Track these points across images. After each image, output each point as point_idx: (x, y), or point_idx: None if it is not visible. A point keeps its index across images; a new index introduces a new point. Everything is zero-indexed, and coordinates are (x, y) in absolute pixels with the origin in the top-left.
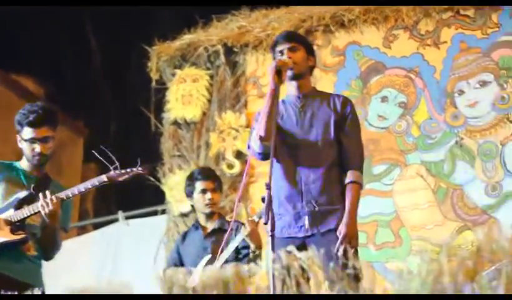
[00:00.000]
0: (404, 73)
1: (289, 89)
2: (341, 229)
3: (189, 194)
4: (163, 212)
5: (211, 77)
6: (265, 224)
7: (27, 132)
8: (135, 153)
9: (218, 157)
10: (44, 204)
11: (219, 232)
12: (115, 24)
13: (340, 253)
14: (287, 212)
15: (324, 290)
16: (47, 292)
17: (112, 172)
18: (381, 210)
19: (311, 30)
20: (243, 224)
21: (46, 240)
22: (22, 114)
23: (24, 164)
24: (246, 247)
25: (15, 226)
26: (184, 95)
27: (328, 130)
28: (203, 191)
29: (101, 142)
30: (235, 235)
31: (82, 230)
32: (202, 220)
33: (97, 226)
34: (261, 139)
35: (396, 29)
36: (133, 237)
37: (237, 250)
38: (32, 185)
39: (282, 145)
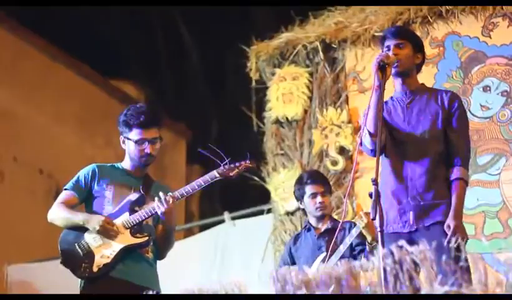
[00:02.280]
0: (505, 61)
1: (396, 86)
2: (450, 223)
3: (299, 198)
4: (269, 211)
5: (311, 74)
6: (373, 219)
7: (136, 133)
8: (239, 153)
9: (321, 154)
10: (159, 205)
11: (332, 231)
12: (212, 25)
13: (453, 245)
14: (392, 207)
15: (437, 283)
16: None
17: (222, 168)
18: (488, 201)
19: (409, 23)
20: (355, 224)
21: (162, 240)
22: (129, 114)
23: (126, 165)
24: (361, 243)
25: (135, 229)
26: (285, 94)
27: (435, 125)
28: (313, 195)
29: (204, 144)
30: (348, 232)
31: (189, 233)
32: (313, 222)
33: (203, 228)
34: (371, 135)
35: (495, 17)
36: (240, 237)
37: (351, 247)
38: (141, 187)
39: (390, 141)
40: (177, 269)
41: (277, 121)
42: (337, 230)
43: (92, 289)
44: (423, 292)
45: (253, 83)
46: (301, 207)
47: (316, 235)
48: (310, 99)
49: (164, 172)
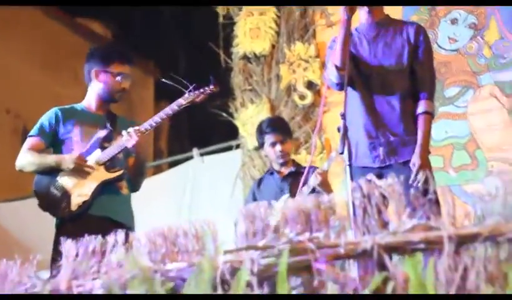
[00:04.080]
0: None
1: (361, 17)
2: (416, 160)
3: (260, 146)
4: (238, 147)
5: (279, 9)
6: (341, 153)
7: (115, 67)
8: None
9: (289, 89)
10: (128, 138)
11: (295, 174)
12: None
13: (418, 183)
14: (362, 141)
15: (405, 217)
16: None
17: (187, 94)
18: (456, 133)
19: None
20: (317, 168)
21: (135, 172)
22: (107, 48)
23: (88, 104)
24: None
25: (108, 164)
26: (252, 29)
27: (401, 60)
28: (273, 144)
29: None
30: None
31: (158, 170)
32: (276, 167)
33: (172, 165)
34: (337, 68)
35: None
36: (209, 173)
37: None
38: (108, 123)
39: (357, 75)
40: (146, 205)
41: (245, 57)
42: (303, 175)
43: (70, 227)
44: (391, 226)
45: (221, 18)
46: (264, 153)
47: (280, 178)
48: (278, 33)
49: (133, 110)
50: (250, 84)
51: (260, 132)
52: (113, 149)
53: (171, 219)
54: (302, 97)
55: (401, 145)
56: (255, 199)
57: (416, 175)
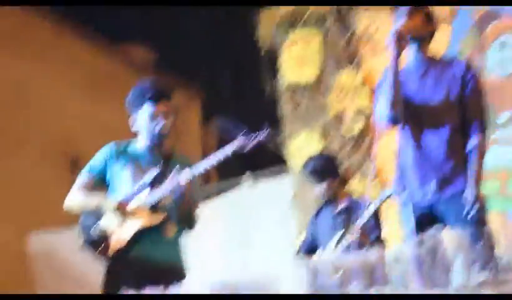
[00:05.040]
0: None
1: (409, 55)
2: (468, 194)
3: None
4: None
5: (323, 37)
6: (398, 194)
7: (148, 108)
8: (254, 121)
9: (338, 118)
10: (176, 185)
11: (348, 209)
12: None
13: (472, 215)
14: (412, 178)
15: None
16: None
17: (240, 140)
18: (510, 158)
19: None
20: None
21: (185, 216)
22: (138, 90)
23: (141, 143)
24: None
25: (152, 208)
26: (297, 58)
27: (450, 95)
28: (316, 186)
29: (217, 105)
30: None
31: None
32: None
33: (222, 190)
34: (388, 105)
35: None
36: (261, 198)
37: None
38: (161, 163)
39: (405, 112)
40: (198, 234)
41: (291, 86)
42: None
43: (114, 269)
44: (459, 281)
45: (265, 49)
46: None
47: (334, 215)
48: (323, 62)
49: (179, 135)
50: (298, 114)
51: (303, 173)
52: (159, 193)
53: (223, 250)
54: (351, 126)
55: (451, 179)
56: (312, 230)
57: (471, 208)
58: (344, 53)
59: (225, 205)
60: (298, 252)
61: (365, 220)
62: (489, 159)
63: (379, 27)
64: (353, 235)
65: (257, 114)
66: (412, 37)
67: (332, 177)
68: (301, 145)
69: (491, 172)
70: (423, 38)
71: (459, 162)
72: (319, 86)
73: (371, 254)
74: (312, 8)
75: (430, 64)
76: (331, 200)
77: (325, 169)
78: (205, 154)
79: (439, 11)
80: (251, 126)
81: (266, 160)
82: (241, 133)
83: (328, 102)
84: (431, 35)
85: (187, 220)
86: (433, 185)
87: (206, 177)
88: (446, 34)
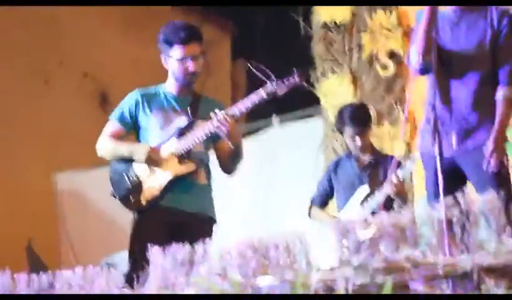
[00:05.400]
0: None
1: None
2: (489, 145)
3: (340, 132)
4: (319, 113)
5: None
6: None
7: (178, 50)
8: (286, 58)
9: (371, 59)
10: (218, 125)
11: (374, 164)
12: None
13: (491, 168)
14: (437, 131)
15: (506, 236)
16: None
17: (269, 86)
18: None
19: None
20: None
21: (230, 156)
22: (168, 32)
23: (170, 87)
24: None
25: (183, 156)
26: None
27: (482, 44)
28: (352, 137)
29: (250, 41)
30: (392, 168)
31: None
32: (355, 152)
33: (250, 132)
34: (419, 54)
35: None
36: (289, 142)
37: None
38: (189, 110)
39: (437, 60)
40: (223, 179)
41: (325, 25)
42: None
43: (143, 219)
44: (489, 246)
45: None
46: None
47: (359, 168)
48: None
49: (209, 69)
50: (330, 54)
51: (340, 121)
52: (190, 140)
53: (252, 191)
54: (384, 68)
55: (473, 131)
56: (330, 182)
57: (489, 159)
58: None
59: (251, 146)
60: (311, 204)
61: (405, 175)
62: None
63: None
64: (389, 189)
65: (289, 53)
66: None
67: (368, 128)
68: (333, 86)
69: None
70: None
71: (485, 114)
72: (353, 25)
73: (402, 215)
74: None
75: (465, 10)
76: (354, 152)
77: (364, 118)
78: (234, 91)
79: None
80: (282, 66)
81: (297, 101)
82: (270, 80)
83: (361, 42)
84: None
85: (232, 161)
86: (454, 137)
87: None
88: None
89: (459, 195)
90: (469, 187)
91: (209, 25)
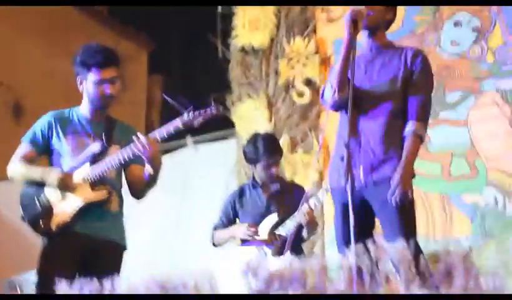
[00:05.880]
0: None
1: (363, 40)
2: (395, 175)
3: (251, 162)
4: (233, 135)
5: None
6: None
7: (94, 74)
8: (203, 81)
9: (287, 85)
10: (140, 148)
11: (281, 193)
12: None
13: (395, 200)
14: (344, 162)
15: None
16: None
17: (186, 117)
18: (456, 140)
19: None
20: (302, 189)
21: (149, 182)
22: (85, 55)
23: (84, 111)
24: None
25: (96, 182)
26: (251, 21)
27: (395, 80)
28: (268, 166)
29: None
30: (301, 199)
31: None
32: (260, 180)
33: (164, 152)
34: (334, 91)
35: None
36: (202, 163)
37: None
38: (103, 135)
39: (351, 97)
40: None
41: (243, 49)
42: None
43: (53, 245)
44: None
45: (219, 8)
46: (252, 170)
47: (266, 196)
48: (277, 27)
49: (125, 84)
50: (247, 78)
51: (254, 151)
52: (103, 166)
53: (162, 213)
54: (300, 95)
55: (380, 164)
56: (234, 209)
57: (394, 191)
58: (298, 19)
59: (164, 165)
60: (213, 232)
61: (317, 205)
62: (434, 139)
63: None
64: (301, 218)
65: (206, 74)
66: (367, 23)
67: (281, 157)
68: (249, 111)
69: (433, 154)
70: (378, 24)
71: (393, 148)
72: (271, 51)
73: (312, 259)
74: None
75: (381, 50)
76: (264, 181)
77: (278, 147)
78: (149, 106)
79: None
80: (198, 86)
81: (211, 123)
82: (187, 110)
83: (278, 68)
84: (386, 23)
85: (148, 186)
86: (361, 171)
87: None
88: (401, 8)
89: (369, 241)
90: (379, 228)
91: (126, 40)
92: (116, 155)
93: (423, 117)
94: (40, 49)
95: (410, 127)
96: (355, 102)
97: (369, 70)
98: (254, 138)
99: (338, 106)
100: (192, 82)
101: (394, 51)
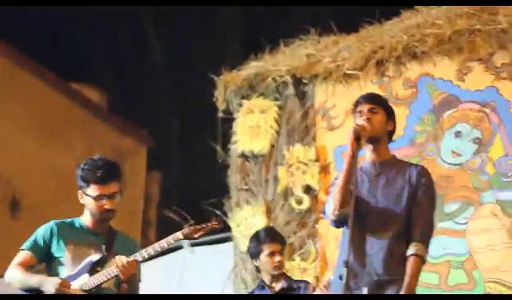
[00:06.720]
0: (478, 107)
1: (366, 155)
2: None
3: (255, 256)
4: (231, 239)
5: (280, 108)
6: None
7: (94, 189)
8: (202, 185)
9: (286, 192)
10: (121, 269)
11: (287, 291)
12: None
13: None
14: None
15: None
16: None
17: (187, 229)
18: (454, 250)
19: (383, 62)
20: (308, 282)
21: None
22: (86, 170)
23: (86, 221)
24: None
25: (93, 292)
26: (252, 127)
27: (399, 200)
28: (272, 254)
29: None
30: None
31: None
32: (267, 280)
33: (160, 253)
34: (336, 207)
35: (471, 61)
36: (199, 265)
37: None
38: (103, 246)
39: (353, 213)
40: None
41: (243, 155)
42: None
43: None
44: None
45: (220, 113)
46: (256, 264)
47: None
48: (278, 133)
49: (124, 179)
50: (246, 184)
51: (258, 241)
52: (100, 277)
53: None
54: (299, 202)
55: (385, 285)
56: None
57: None
58: (299, 126)
59: (159, 268)
60: None
61: None
62: (432, 249)
63: (336, 103)
64: None
65: (205, 178)
66: (369, 136)
67: (285, 247)
68: (247, 216)
69: (431, 264)
70: (380, 136)
71: (396, 269)
72: (271, 157)
73: None
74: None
75: (385, 166)
76: (271, 273)
77: (280, 237)
78: (147, 202)
79: (401, 92)
80: (197, 189)
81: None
82: (188, 224)
83: (278, 175)
84: (389, 134)
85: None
86: (365, 291)
87: (144, 240)
88: (403, 117)
89: None
90: None
91: (128, 136)
92: (112, 267)
93: (426, 239)
94: (40, 144)
95: (413, 248)
96: (359, 218)
97: (373, 188)
98: (255, 233)
99: (340, 222)
100: (191, 184)
101: (398, 169)
